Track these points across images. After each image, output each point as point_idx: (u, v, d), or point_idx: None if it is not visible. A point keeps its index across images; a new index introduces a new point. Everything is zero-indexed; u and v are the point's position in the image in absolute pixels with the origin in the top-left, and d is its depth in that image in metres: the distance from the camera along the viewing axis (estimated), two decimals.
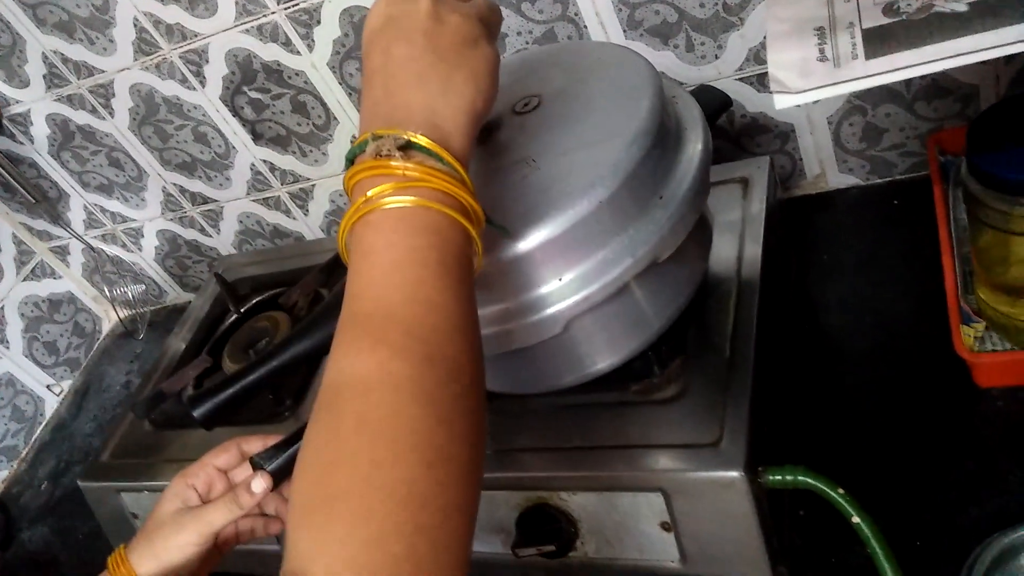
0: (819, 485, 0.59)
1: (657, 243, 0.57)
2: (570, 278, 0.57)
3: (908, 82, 0.81)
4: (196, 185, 1.15)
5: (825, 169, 0.90)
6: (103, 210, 1.25)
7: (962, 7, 0.50)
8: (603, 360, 0.64)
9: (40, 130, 1.15)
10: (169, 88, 1.03)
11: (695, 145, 0.62)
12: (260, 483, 0.62)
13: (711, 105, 0.72)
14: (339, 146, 1.03)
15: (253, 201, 1.15)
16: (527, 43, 0.86)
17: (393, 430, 0.39)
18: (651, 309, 0.63)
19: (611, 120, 0.60)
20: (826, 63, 0.52)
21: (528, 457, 0.68)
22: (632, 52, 0.67)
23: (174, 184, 1.16)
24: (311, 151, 1.05)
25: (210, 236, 1.23)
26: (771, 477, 0.60)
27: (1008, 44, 0.47)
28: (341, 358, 0.42)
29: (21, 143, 1.18)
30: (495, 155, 0.62)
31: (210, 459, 0.66)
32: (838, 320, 0.79)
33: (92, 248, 1.30)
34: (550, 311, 0.57)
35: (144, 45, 0.98)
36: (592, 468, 0.65)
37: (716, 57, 0.83)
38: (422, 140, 0.44)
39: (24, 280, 1.30)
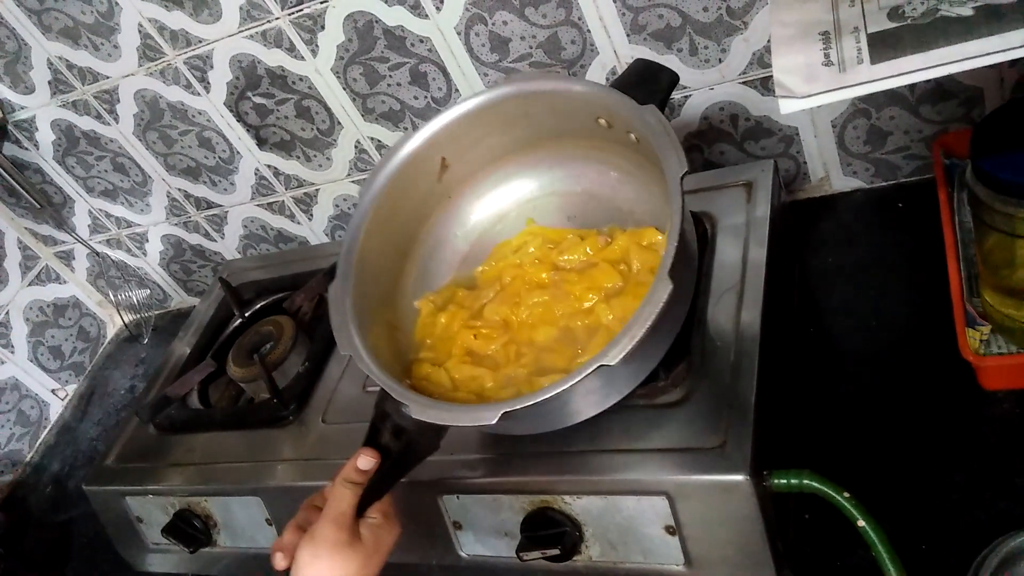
0: (824, 489, 0.59)
1: None
2: None
3: (912, 85, 0.80)
4: (200, 190, 1.16)
5: (829, 172, 0.90)
6: (108, 215, 1.25)
7: (967, 11, 0.50)
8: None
9: (45, 136, 1.16)
10: (174, 94, 1.03)
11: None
12: (367, 460, 0.62)
13: (661, 82, 0.68)
14: (343, 151, 1.03)
15: (257, 206, 1.15)
16: (531, 48, 0.86)
17: None
18: None
19: None
20: (831, 68, 0.52)
21: (532, 461, 0.68)
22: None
23: (179, 189, 1.17)
24: (315, 156, 1.05)
25: (214, 241, 1.23)
26: (776, 481, 0.60)
27: (1013, 48, 0.47)
28: None
29: (26, 149, 1.18)
30: None
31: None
32: (842, 323, 0.79)
33: (97, 253, 1.30)
34: None
35: (149, 51, 0.99)
36: (596, 472, 0.65)
37: (720, 61, 0.83)
38: None
39: (29, 285, 1.30)
